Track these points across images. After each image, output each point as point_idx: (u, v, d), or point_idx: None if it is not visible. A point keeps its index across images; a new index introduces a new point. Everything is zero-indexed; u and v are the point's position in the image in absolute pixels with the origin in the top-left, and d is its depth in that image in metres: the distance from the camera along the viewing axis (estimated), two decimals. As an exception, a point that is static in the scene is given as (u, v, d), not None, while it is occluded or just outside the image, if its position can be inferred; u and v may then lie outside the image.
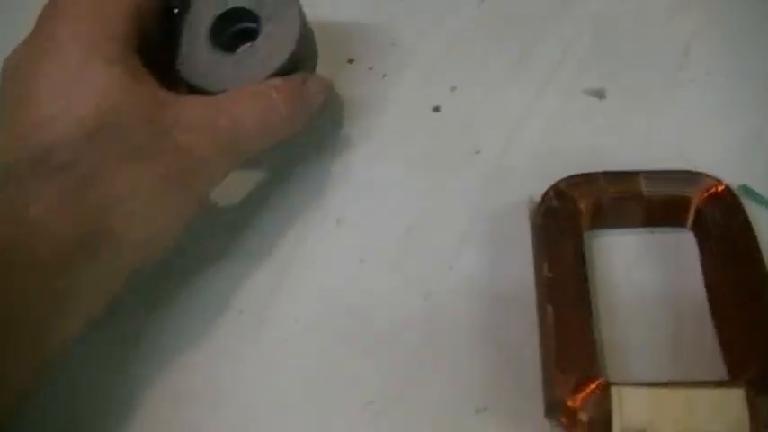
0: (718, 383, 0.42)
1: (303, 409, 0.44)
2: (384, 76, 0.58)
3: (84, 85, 0.42)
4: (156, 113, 0.43)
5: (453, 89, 0.57)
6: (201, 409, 0.45)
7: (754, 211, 0.48)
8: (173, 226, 0.44)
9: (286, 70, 0.48)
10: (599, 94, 0.56)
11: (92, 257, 0.40)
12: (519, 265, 0.48)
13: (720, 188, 0.48)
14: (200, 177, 0.44)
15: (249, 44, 0.49)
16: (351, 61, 0.59)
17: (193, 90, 0.48)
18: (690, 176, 0.48)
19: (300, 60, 0.49)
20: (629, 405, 0.40)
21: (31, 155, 0.40)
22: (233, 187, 0.52)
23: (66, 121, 0.41)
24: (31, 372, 0.39)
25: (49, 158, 0.40)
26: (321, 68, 0.54)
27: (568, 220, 0.47)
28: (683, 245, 0.49)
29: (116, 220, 0.41)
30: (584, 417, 0.41)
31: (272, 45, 0.48)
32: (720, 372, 0.44)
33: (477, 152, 0.54)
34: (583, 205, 0.48)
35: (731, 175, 0.49)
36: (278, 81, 0.47)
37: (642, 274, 0.48)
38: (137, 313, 0.48)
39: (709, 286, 0.47)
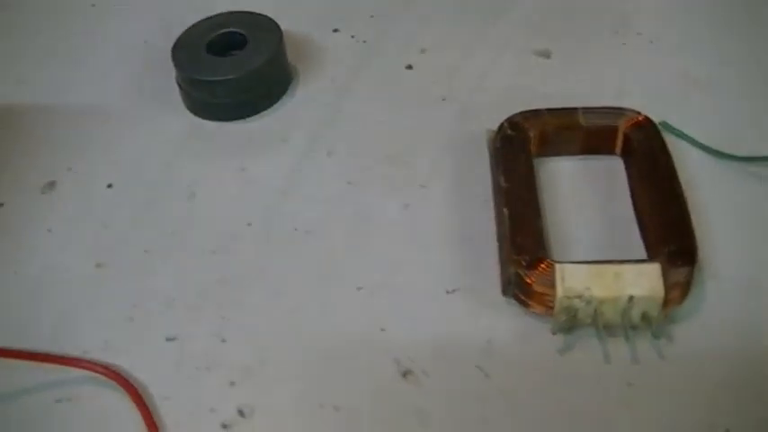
0: (639, 261, 0.52)
1: (306, 288, 0.54)
2: (364, 42, 0.69)
3: None
4: None
5: (423, 51, 0.68)
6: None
7: (671, 143, 0.59)
8: None
9: (265, 70, 0.64)
10: (545, 54, 0.67)
11: None
12: (479, 182, 0.59)
13: (641, 118, 0.59)
14: None
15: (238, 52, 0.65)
16: (336, 30, 0.70)
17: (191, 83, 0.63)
18: (619, 111, 0.59)
19: (276, 71, 0.66)
20: (568, 276, 0.50)
21: None
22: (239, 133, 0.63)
23: None
24: None
25: None
26: (313, 38, 0.67)
27: (520, 144, 0.58)
28: (613, 168, 0.59)
29: None
30: (537, 288, 0.51)
31: (255, 53, 0.64)
32: (641, 254, 0.54)
33: (444, 99, 0.64)
34: (532, 134, 0.58)
35: (652, 113, 0.60)
36: None
37: (581, 189, 0.58)
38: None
39: (633, 195, 0.57)
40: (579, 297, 0.49)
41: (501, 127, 0.59)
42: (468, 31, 0.70)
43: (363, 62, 0.68)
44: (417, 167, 0.60)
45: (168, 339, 0.52)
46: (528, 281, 0.51)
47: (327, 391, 0.49)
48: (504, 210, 0.54)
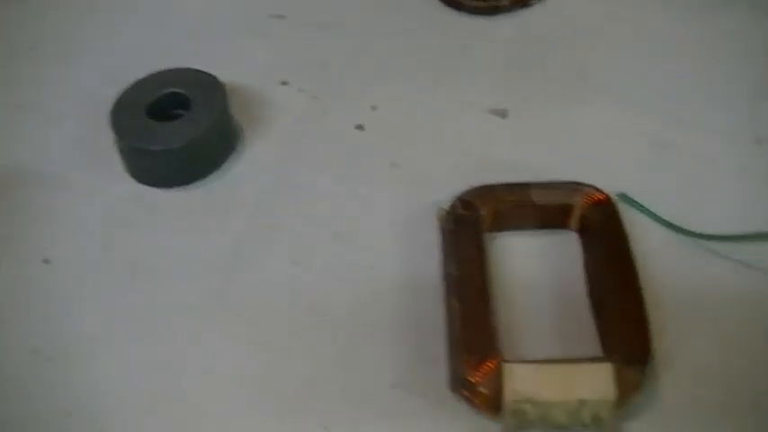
0: (591, 359, 0.50)
1: (249, 382, 0.52)
2: (314, 97, 0.66)
3: None
4: None
5: (374, 108, 0.65)
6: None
7: (631, 215, 0.57)
8: None
9: (210, 137, 0.61)
10: (501, 114, 0.64)
11: None
12: (428, 262, 0.56)
13: (601, 197, 0.57)
14: None
15: (182, 115, 0.62)
16: (284, 83, 0.67)
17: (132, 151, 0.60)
18: (575, 186, 0.57)
19: (220, 136, 0.63)
20: (517, 378, 0.48)
21: None
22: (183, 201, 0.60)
23: None
24: None
25: None
26: (259, 91, 0.64)
27: (472, 225, 0.56)
28: (568, 244, 0.57)
29: None
30: (484, 390, 0.49)
31: (198, 119, 0.61)
32: (596, 349, 0.52)
33: (394, 165, 0.62)
34: (484, 212, 0.56)
35: (612, 182, 0.58)
36: None
37: (534, 269, 0.56)
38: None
39: (589, 278, 0.55)
40: (528, 401, 0.48)
41: (453, 206, 0.57)
42: (422, 85, 0.67)
43: (312, 120, 0.65)
44: (366, 245, 0.58)
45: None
46: (474, 381, 0.49)
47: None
48: (455, 302, 0.52)
